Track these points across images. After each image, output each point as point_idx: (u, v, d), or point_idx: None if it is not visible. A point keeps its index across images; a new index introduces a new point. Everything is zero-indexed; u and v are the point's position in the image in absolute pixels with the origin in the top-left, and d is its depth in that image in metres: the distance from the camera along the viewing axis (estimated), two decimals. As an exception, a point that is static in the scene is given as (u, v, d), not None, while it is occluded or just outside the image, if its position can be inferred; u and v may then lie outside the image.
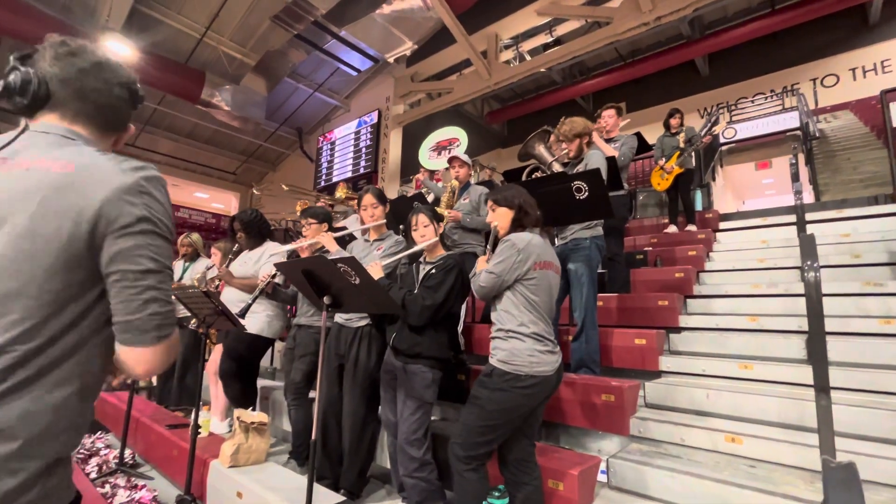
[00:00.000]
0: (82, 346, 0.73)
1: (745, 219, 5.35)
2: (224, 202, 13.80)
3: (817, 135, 7.86)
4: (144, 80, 7.69)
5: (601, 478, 2.15)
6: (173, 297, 0.86)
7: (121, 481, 2.85)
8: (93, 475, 2.96)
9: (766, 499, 1.79)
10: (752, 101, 10.01)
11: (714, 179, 7.84)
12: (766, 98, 9.91)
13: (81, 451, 3.35)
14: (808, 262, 1.64)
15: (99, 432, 3.99)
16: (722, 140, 8.78)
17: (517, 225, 1.92)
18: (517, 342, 1.76)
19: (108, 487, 2.75)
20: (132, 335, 0.74)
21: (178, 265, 4.20)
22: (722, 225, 5.30)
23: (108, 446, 3.52)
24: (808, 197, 6.86)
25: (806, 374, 2.45)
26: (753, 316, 3.17)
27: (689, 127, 5.09)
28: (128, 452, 3.23)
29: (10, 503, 0.65)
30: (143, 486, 2.79)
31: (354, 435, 2.36)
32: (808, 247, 1.70)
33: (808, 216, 4.50)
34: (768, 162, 9.55)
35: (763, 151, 9.30)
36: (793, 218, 4.32)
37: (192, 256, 4.18)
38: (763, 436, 2.16)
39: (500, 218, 1.94)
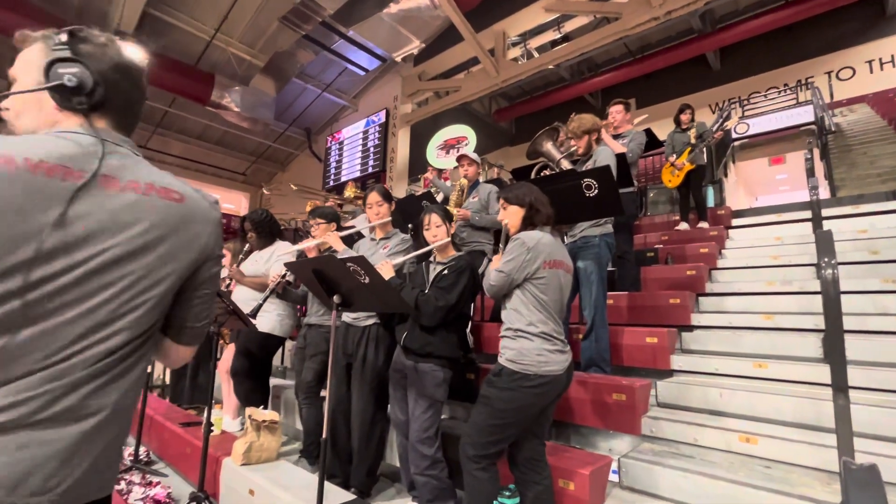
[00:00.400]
0: (150, 349, 0.83)
1: (759, 215, 5.26)
2: (234, 202, 13.93)
3: (833, 129, 7.70)
4: (156, 83, 7.78)
5: (612, 477, 2.13)
6: None
7: (136, 478, 2.90)
8: (109, 472, 3.01)
9: (782, 500, 1.76)
10: (766, 96, 9.85)
11: (726, 175, 7.72)
12: (780, 92, 9.73)
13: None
14: (826, 259, 1.60)
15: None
16: (734, 135, 8.65)
17: (528, 223, 1.91)
18: (525, 341, 1.75)
19: (123, 484, 2.79)
20: (193, 338, 0.90)
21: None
22: (734, 222, 5.23)
23: (123, 444, 3.58)
24: (824, 192, 6.72)
25: (822, 373, 2.40)
26: (768, 314, 3.12)
27: (700, 122, 5.02)
28: (142, 450, 3.28)
29: (95, 475, 0.72)
30: (158, 483, 2.83)
31: (363, 434, 2.37)
32: (824, 243, 1.67)
33: (824, 212, 4.42)
34: (782, 157, 9.39)
35: (777, 146, 9.14)
36: (808, 214, 4.24)
37: (204, 256, 4.23)
38: (779, 436, 2.12)
39: (510, 216, 1.93)
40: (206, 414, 2.45)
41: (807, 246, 3.93)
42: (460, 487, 2.12)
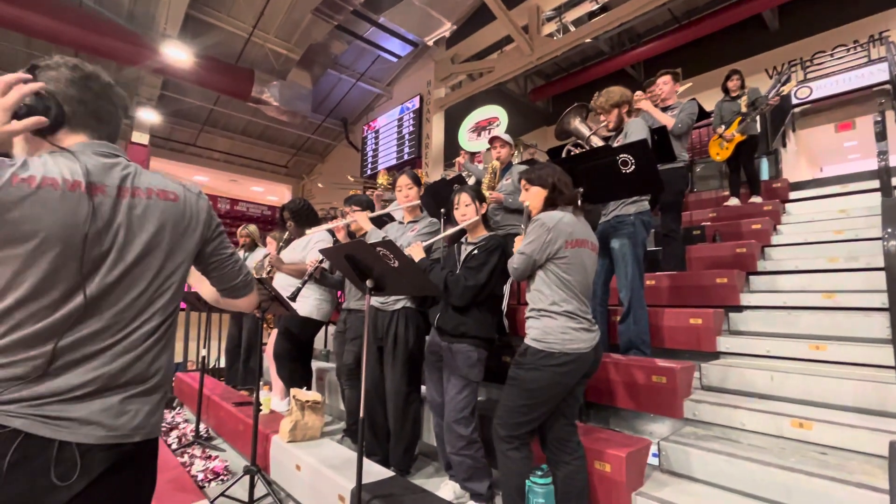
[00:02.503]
0: (176, 324, 1.03)
1: (821, 187, 4.86)
2: (278, 194, 14.47)
3: (910, 87, 6.89)
4: (201, 83, 8.06)
5: (652, 461, 2.08)
6: None
7: (197, 452, 3.15)
8: (174, 446, 3.29)
9: (839, 488, 1.65)
10: (832, 55, 8.93)
11: (784, 146, 7.13)
12: (849, 50, 8.80)
13: (163, 424, 3.73)
14: (889, 230, 1.45)
15: (178, 408, 4.41)
16: (795, 101, 7.94)
17: (550, 204, 1.87)
18: (549, 320, 1.74)
19: (186, 457, 3.04)
20: (241, 291, 1.16)
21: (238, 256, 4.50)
22: (793, 195, 4.86)
23: (185, 420, 3.89)
24: (900, 159, 6.08)
25: (888, 354, 2.21)
26: (829, 293, 2.90)
27: (753, 88, 4.63)
28: (202, 427, 3.55)
29: (159, 416, 0.98)
30: (216, 457, 3.06)
31: (398, 413, 2.44)
32: (890, 213, 1.51)
33: (898, 180, 4.00)
34: (851, 123, 8.53)
35: (845, 111, 8.31)
36: (877, 183, 3.87)
37: (251, 246, 4.45)
38: (837, 421, 1.98)
39: (532, 197, 1.90)
40: (255, 394, 2.60)
41: (876, 218, 3.59)
42: (496, 467, 2.15)
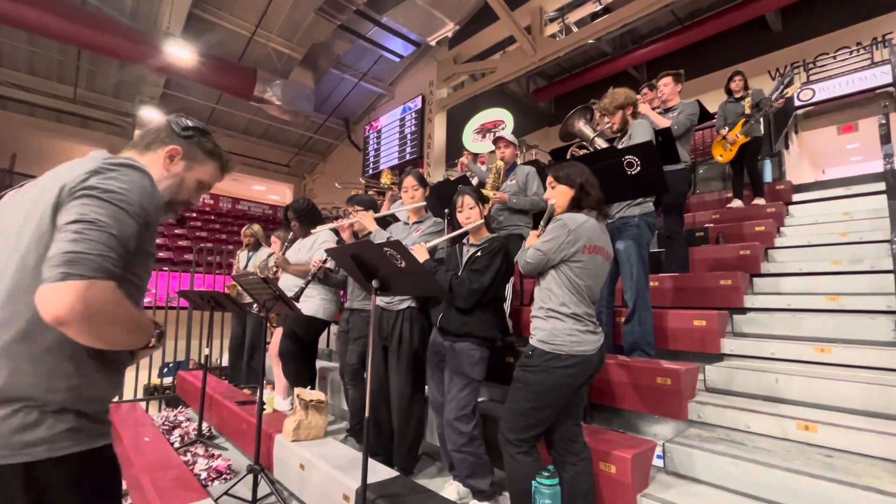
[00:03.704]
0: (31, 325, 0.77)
1: (824, 189, 4.86)
2: (279, 193, 14.50)
3: (913, 90, 6.89)
4: (204, 82, 8.08)
5: (657, 462, 2.08)
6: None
7: (200, 451, 3.14)
8: (176, 444, 3.29)
9: (845, 491, 1.65)
10: (835, 57, 8.92)
11: (787, 148, 7.13)
12: (852, 52, 8.79)
13: (166, 423, 3.73)
14: (898, 233, 1.45)
15: (180, 406, 4.41)
16: (797, 103, 7.93)
17: (575, 205, 1.85)
18: (557, 322, 1.73)
19: (189, 456, 3.04)
20: (45, 272, 0.71)
21: (242, 255, 4.50)
22: (795, 197, 4.86)
23: (188, 419, 3.89)
24: (903, 162, 6.08)
25: (894, 357, 2.21)
26: (833, 295, 2.89)
27: (757, 90, 4.62)
28: (205, 426, 3.54)
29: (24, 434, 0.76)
30: (219, 456, 3.05)
31: (402, 412, 2.44)
32: (898, 216, 1.51)
33: (902, 183, 3.99)
34: (853, 125, 8.53)
35: (847, 113, 8.31)
36: (882, 186, 3.87)
37: (255, 246, 4.45)
38: (843, 424, 1.98)
39: (558, 196, 1.88)
40: (258, 393, 2.59)
41: (880, 221, 3.60)
42: (498, 465, 2.15)
